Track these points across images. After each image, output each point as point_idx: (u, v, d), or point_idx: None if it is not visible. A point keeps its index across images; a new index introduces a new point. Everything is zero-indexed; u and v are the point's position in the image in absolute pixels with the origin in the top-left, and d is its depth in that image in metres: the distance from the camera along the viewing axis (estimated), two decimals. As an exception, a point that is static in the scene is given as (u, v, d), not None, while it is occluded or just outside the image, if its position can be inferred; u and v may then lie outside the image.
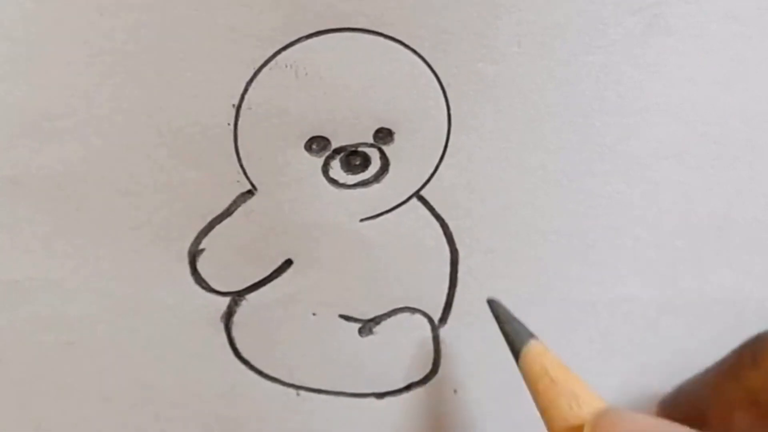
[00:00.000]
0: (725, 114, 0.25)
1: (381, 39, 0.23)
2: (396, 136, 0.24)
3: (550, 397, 0.22)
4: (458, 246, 0.26)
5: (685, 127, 0.25)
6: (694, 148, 0.26)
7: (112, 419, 0.27)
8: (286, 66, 0.23)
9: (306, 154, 0.24)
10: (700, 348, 0.27)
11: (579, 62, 0.24)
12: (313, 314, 0.26)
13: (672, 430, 0.20)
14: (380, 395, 0.28)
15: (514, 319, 0.24)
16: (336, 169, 0.24)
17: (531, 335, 0.24)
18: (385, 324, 0.27)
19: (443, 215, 0.25)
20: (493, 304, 0.25)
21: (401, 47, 0.23)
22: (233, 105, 0.23)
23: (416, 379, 0.28)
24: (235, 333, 0.26)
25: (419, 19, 0.23)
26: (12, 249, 0.24)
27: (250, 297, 0.26)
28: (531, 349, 0.23)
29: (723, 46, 0.24)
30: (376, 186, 0.25)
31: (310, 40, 0.22)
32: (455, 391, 0.28)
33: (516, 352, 0.23)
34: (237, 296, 0.26)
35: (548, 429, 0.22)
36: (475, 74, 0.23)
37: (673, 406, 0.27)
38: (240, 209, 0.24)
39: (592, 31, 0.23)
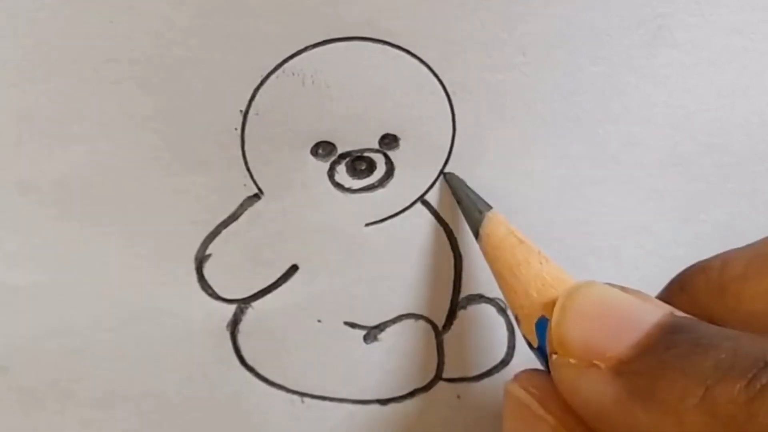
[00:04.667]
0: (728, 125, 0.25)
1: (387, 48, 0.23)
2: (401, 142, 0.24)
3: (518, 256, 0.21)
4: (462, 251, 0.26)
5: (688, 137, 0.25)
6: (696, 158, 0.26)
7: (117, 426, 0.27)
8: (294, 74, 0.23)
9: (312, 159, 0.24)
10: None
11: (583, 73, 0.24)
12: (318, 321, 0.26)
13: (650, 305, 0.19)
14: (384, 402, 0.28)
15: (473, 191, 0.24)
16: (341, 174, 0.25)
17: (490, 207, 0.23)
18: (389, 331, 0.27)
19: (447, 220, 0.26)
20: (448, 177, 0.25)
21: (407, 56, 0.23)
22: (241, 111, 0.23)
23: (420, 385, 0.28)
24: (240, 341, 0.26)
25: (425, 29, 0.23)
26: (18, 254, 0.24)
27: (256, 304, 0.26)
28: (494, 216, 0.23)
29: (727, 58, 0.25)
30: (381, 191, 0.25)
31: (317, 49, 0.23)
32: (458, 397, 0.28)
33: (477, 221, 0.23)
34: (243, 304, 0.26)
35: (511, 294, 0.21)
36: (480, 83, 0.24)
37: None
38: (246, 213, 0.25)
39: (596, 42, 0.24)
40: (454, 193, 0.25)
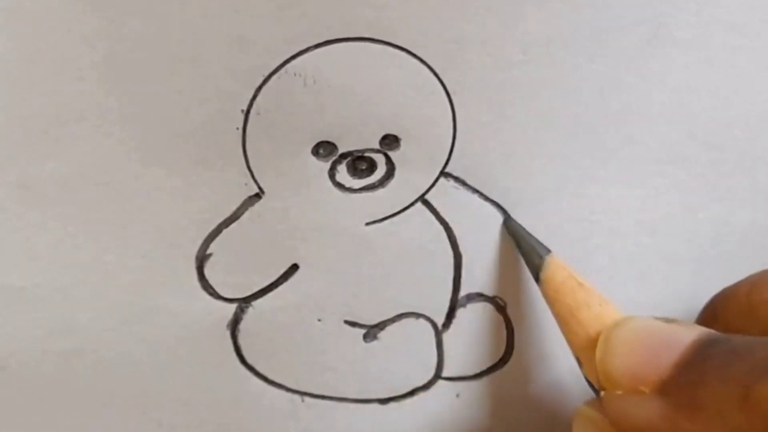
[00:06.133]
0: (726, 122, 0.26)
1: (388, 48, 0.23)
2: (402, 142, 0.24)
3: (579, 298, 0.22)
4: (462, 250, 0.26)
5: (686, 134, 0.26)
6: (695, 156, 0.26)
7: (117, 426, 0.27)
8: (295, 74, 0.23)
9: (313, 158, 0.24)
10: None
11: (583, 71, 0.24)
12: (319, 320, 0.26)
13: (685, 328, 0.20)
14: (384, 401, 0.28)
15: (531, 236, 0.25)
16: (342, 174, 0.25)
17: (549, 251, 0.24)
18: (389, 329, 0.27)
19: (447, 220, 0.26)
20: (508, 223, 0.25)
21: (408, 56, 0.23)
22: (242, 110, 0.23)
23: (420, 383, 0.28)
24: (240, 340, 0.26)
25: (426, 29, 0.23)
26: (19, 255, 0.24)
27: (256, 304, 0.26)
28: (553, 259, 0.24)
29: (725, 56, 0.25)
30: (381, 190, 0.25)
31: (318, 50, 0.23)
32: (458, 396, 0.28)
33: (537, 264, 0.24)
34: (243, 303, 0.26)
35: (572, 336, 0.22)
36: (480, 82, 0.24)
37: None
38: (247, 213, 0.25)
39: (596, 41, 0.24)
40: (514, 238, 0.25)
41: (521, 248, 0.25)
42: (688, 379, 0.19)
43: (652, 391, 0.19)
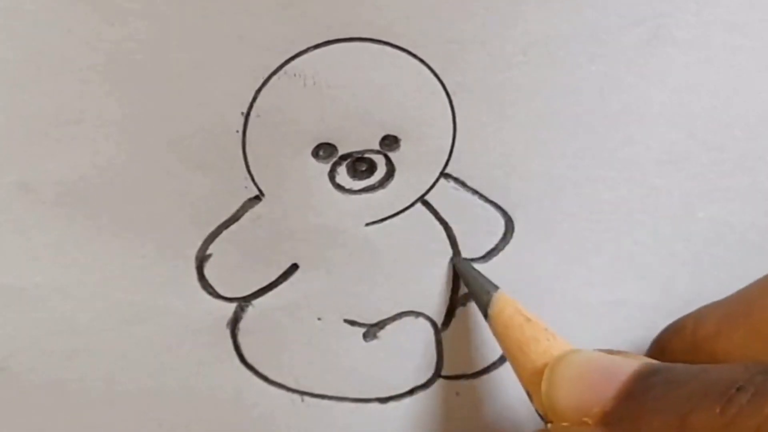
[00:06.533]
0: (726, 122, 0.26)
1: (388, 48, 0.23)
2: (402, 143, 0.24)
3: (527, 333, 0.22)
4: (461, 250, 0.26)
5: (686, 134, 0.26)
6: (694, 155, 0.26)
7: (117, 425, 0.27)
8: (295, 75, 0.23)
9: (313, 160, 0.24)
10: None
11: (583, 71, 0.24)
12: (318, 319, 0.26)
13: (628, 359, 0.20)
14: (384, 400, 0.28)
15: (480, 274, 0.25)
16: (342, 175, 0.25)
17: (497, 287, 0.24)
18: (389, 328, 0.27)
19: (447, 220, 0.26)
20: (456, 261, 0.26)
21: (408, 56, 0.23)
22: (242, 112, 0.23)
23: (419, 382, 0.28)
24: (240, 339, 0.26)
25: (426, 29, 0.23)
26: (20, 255, 0.24)
27: (256, 303, 0.26)
28: (501, 296, 0.24)
29: (725, 56, 0.25)
30: (381, 191, 0.25)
31: (318, 50, 0.23)
32: (458, 394, 0.28)
33: (485, 301, 0.24)
34: (243, 302, 0.26)
35: (521, 370, 0.22)
36: (480, 82, 0.24)
37: None
38: (247, 215, 0.25)
39: (596, 41, 0.24)
40: (462, 277, 0.26)
41: (470, 286, 0.26)
42: (629, 409, 0.19)
43: (595, 423, 0.19)
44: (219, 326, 0.26)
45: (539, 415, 0.22)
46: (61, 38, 0.22)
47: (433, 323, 0.27)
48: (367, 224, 0.25)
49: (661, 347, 0.26)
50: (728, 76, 0.25)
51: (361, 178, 0.25)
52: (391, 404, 0.28)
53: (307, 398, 0.27)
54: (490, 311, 0.24)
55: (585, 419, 0.20)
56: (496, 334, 0.24)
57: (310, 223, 0.25)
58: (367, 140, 0.24)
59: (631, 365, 0.20)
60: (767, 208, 0.27)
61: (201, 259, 0.25)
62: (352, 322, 0.27)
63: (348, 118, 0.24)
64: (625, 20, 0.24)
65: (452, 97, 0.24)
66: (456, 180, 0.25)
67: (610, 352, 0.21)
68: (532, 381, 0.22)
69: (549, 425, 0.21)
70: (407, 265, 0.26)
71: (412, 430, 0.28)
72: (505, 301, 0.24)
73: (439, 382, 0.28)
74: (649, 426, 0.18)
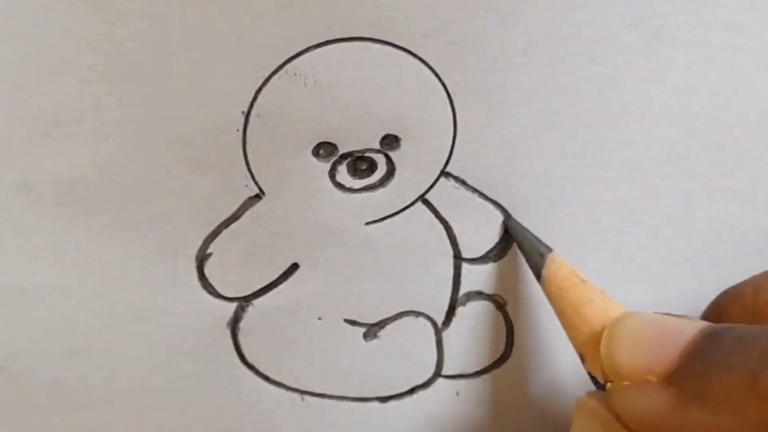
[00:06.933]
0: (726, 122, 0.26)
1: (389, 48, 0.23)
2: (402, 143, 0.24)
3: (582, 295, 0.22)
4: (461, 249, 0.26)
5: (686, 134, 0.26)
6: (694, 156, 0.26)
7: (117, 425, 0.27)
8: (295, 74, 0.23)
9: (313, 159, 0.24)
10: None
11: (583, 72, 0.24)
12: (319, 319, 0.27)
13: (690, 320, 0.20)
14: (384, 399, 0.28)
15: (532, 235, 0.25)
16: (343, 174, 0.25)
17: (550, 249, 0.24)
18: (389, 328, 0.27)
19: (447, 219, 0.26)
20: (509, 223, 0.26)
21: (409, 56, 0.23)
22: (242, 112, 0.23)
23: (420, 382, 0.28)
24: (241, 338, 0.26)
25: (427, 29, 0.23)
26: (20, 255, 0.24)
27: (257, 302, 0.26)
28: (555, 257, 0.24)
29: (725, 56, 0.25)
30: (381, 190, 0.25)
31: (318, 50, 0.23)
32: (458, 394, 0.28)
33: (538, 263, 0.24)
34: (243, 302, 0.26)
35: (577, 332, 0.22)
36: (481, 83, 0.24)
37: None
38: (247, 213, 0.25)
39: (596, 41, 0.24)
40: (515, 237, 0.25)
41: (522, 246, 0.25)
42: (696, 368, 0.19)
43: (659, 381, 0.19)
44: (219, 326, 0.26)
45: (592, 379, 0.22)
46: (61, 38, 0.22)
47: (434, 323, 0.27)
48: (368, 223, 0.25)
49: (718, 313, 0.25)
50: (728, 76, 0.25)
51: (361, 177, 0.25)
52: (392, 404, 0.28)
53: (307, 397, 0.27)
54: (544, 272, 0.24)
55: (648, 377, 0.19)
56: (549, 295, 0.23)
57: (310, 222, 0.25)
58: (367, 139, 0.24)
59: (694, 325, 0.20)
60: (767, 208, 0.27)
61: (201, 259, 0.25)
62: (353, 322, 0.27)
63: (348, 117, 0.24)
64: (625, 20, 0.24)
65: (453, 97, 0.24)
66: (456, 179, 0.25)
67: (665, 314, 0.21)
68: (588, 342, 0.21)
69: (608, 385, 0.20)
70: (407, 265, 0.26)
71: (412, 429, 0.28)
72: (559, 262, 0.24)
73: (439, 381, 0.28)
74: (720, 383, 0.18)
